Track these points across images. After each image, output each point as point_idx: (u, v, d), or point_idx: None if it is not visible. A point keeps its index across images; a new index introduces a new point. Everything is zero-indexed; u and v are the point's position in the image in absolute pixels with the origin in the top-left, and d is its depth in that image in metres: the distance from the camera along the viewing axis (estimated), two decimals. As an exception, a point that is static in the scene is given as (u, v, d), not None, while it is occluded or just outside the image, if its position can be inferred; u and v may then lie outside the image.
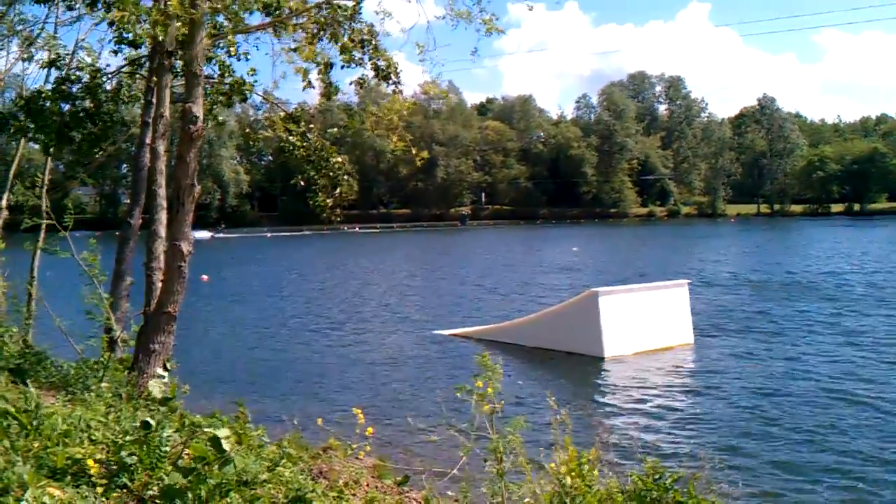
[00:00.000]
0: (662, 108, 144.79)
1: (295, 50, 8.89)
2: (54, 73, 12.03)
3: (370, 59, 9.65)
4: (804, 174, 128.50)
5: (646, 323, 16.81)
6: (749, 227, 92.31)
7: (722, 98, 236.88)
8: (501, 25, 9.04)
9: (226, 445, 4.36)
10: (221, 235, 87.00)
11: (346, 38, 9.31)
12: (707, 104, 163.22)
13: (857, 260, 40.06)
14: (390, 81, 9.81)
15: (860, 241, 56.67)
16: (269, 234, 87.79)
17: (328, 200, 11.18)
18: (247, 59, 10.76)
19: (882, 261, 39.02)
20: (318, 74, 9.93)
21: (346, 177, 11.36)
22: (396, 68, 9.70)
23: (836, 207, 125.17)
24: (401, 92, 9.90)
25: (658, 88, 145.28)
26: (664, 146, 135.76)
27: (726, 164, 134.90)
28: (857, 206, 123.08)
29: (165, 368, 7.85)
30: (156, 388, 6.16)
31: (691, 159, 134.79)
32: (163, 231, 9.18)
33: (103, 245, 9.43)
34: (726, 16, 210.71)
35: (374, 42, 9.58)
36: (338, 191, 11.23)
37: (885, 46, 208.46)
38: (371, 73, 9.82)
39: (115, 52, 11.73)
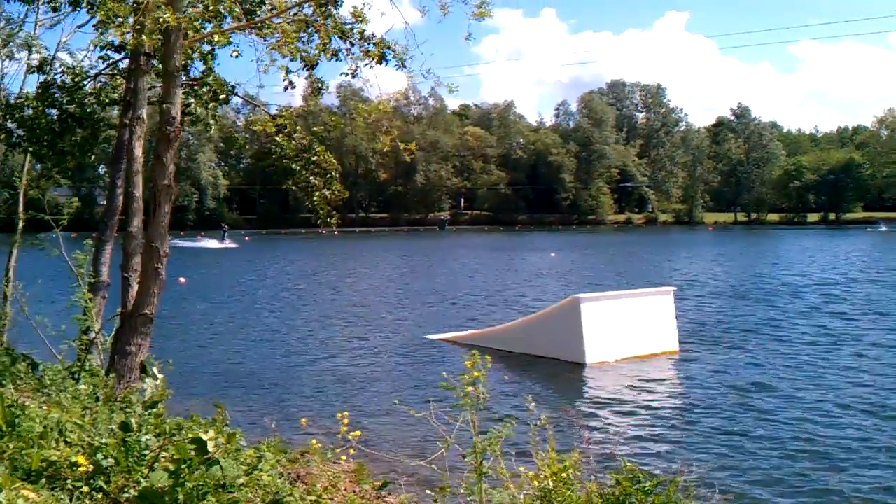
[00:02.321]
0: (641, 117, 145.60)
1: (279, 44, 8.82)
2: (35, 75, 11.94)
3: (360, 46, 9.54)
4: (781, 183, 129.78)
5: (629, 330, 16.77)
6: (726, 236, 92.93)
7: (700, 107, 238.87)
8: (484, 23, 9.00)
9: (210, 447, 4.32)
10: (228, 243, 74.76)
11: (329, 27, 9.23)
12: (686, 114, 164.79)
13: (837, 269, 40.45)
14: (387, 62, 9.66)
15: (838, 251, 57.22)
16: (246, 238, 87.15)
17: (326, 198, 11.11)
18: (236, 54, 10.67)
19: (861, 270, 39.46)
20: (305, 71, 9.88)
21: (335, 175, 11.30)
22: (390, 45, 9.57)
23: (813, 217, 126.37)
24: (404, 67, 9.73)
25: (637, 97, 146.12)
26: (642, 154, 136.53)
27: (704, 172, 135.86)
28: (832, 216, 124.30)
29: (143, 371, 7.78)
30: (149, 389, 6.11)
31: (669, 167, 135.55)
32: (139, 233, 9.11)
33: (79, 246, 9.36)
34: (703, 25, 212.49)
35: (361, 28, 9.49)
36: (331, 189, 11.16)
37: (860, 57, 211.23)
38: (364, 61, 9.68)
39: (102, 59, 11.67)
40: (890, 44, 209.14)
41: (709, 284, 33.33)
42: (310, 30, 9.31)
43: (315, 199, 11.14)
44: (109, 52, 11.54)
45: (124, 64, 11.77)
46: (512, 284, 34.81)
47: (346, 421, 5.80)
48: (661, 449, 10.43)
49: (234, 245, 72.26)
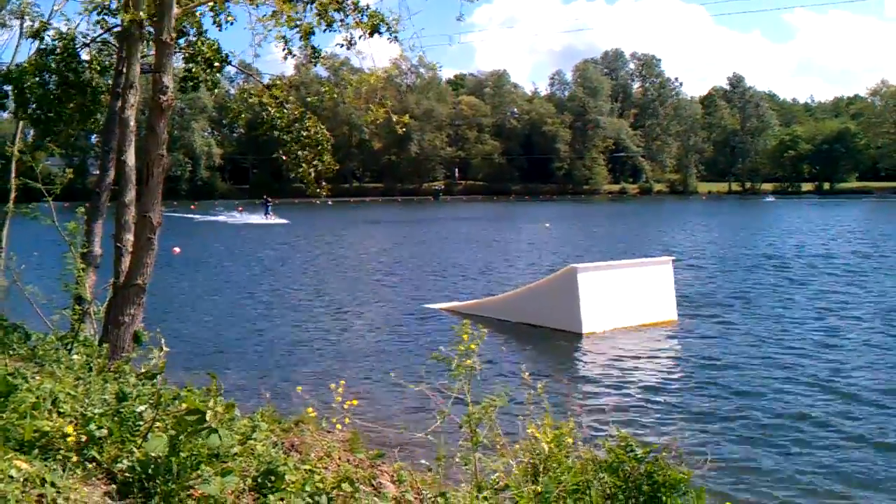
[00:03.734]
0: (636, 86, 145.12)
1: (273, 15, 8.73)
2: (28, 43, 11.79)
3: (354, 19, 9.46)
4: (776, 153, 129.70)
5: (627, 299, 16.77)
6: (719, 205, 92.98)
7: (694, 77, 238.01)
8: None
9: (209, 416, 4.32)
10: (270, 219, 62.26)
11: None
12: (681, 83, 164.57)
13: (836, 237, 40.59)
14: (381, 34, 9.58)
15: (833, 220, 57.34)
16: (240, 207, 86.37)
17: (311, 172, 11.03)
18: (230, 24, 10.56)
19: (856, 239, 39.59)
20: (301, 40, 9.78)
21: (327, 146, 11.20)
22: (384, 18, 9.47)
23: (807, 186, 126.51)
24: (397, 40, 9.66)
25: (631, 66, 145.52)
26: (637, 124, 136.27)
27: (698, 142, 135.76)
28: (826, 186, 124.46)
29: (137, 341, 7.78)
30: (154, 359, 6.09)
31: (663, 137, 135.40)
32: (132, 202, 9.04)
33: (71, 216, 9.30)
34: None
35: (352, 1, 9.40)
36: (322, 161, 11.07)
37: (853, 27, 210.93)
38: (357, 32, 9.60)
39: (102, 26, 11.50)
40: (883, 13, 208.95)
41: (704, 253, 33.37)
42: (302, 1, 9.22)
43: (301, 170, 11.06)
44: (105, 17, 11.39)
45: (118, 31, 11.62)
46: (509, 254, 34.83)
47: (340, 390, 5.80)
48: (655, 417, 10.47)
49: (280, 220, 61.19)
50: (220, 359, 14.00)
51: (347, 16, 9.43)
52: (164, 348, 6.22)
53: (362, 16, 9.43)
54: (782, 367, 13.10)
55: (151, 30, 9.25)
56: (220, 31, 10.85)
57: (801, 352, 14.29)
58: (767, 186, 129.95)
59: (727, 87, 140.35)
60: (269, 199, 67.05)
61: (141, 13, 8.29)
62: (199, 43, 11.15)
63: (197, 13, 10.59)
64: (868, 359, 13.67)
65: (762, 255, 32.34)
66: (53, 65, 11.35)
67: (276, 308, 20.25)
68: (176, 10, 8.38)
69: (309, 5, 9.25)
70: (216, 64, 11.30)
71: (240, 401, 6.86)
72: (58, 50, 11.38)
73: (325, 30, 9.50)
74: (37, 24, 11.59)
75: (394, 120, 10.15)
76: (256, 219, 62.69)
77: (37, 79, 11.25)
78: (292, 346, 15.44)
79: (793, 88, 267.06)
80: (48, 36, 11.55)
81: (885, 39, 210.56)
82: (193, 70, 11.33)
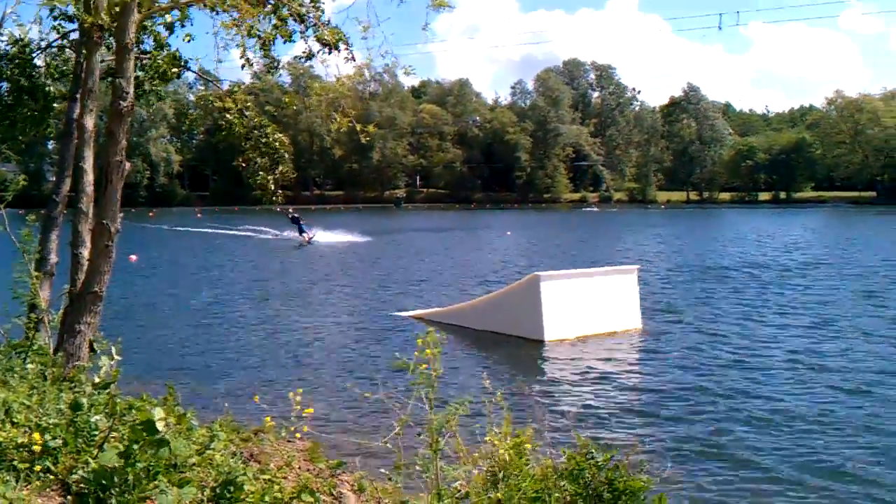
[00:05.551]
0: (595, 96, 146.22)
1: (235, 22, 8.65)
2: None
3: (313, 33, 9.41)
4: (733, 163, 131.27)
5: (590, 308, 16.83)
6: (676, 214, 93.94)
7: (654, 87, 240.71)
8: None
9: (160, 427, 4.26)
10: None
11: (285, 11, 9.10)
12: (640, 92, 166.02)
13: (790, 245, 41.14)
14: (339, 51, 9.53)
15: (789, 228, 58.14)
16: (199, 214, 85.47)
17: (270, 180, 10.94)
18: (188, 38, 10.45)
19: (811, 246, 40.18)
20: (259, 49, 9.70)
21: (285, 155, 11.12)
22: (343, 37, 9.42)
23: (764, 196, 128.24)
24: (353, 59, 9.63)
25: (591, 76, 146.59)
26: (597, 133, 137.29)
27: (657, 151, 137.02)
28: (783, 195, 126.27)
29: (92, 350, 7.66)
30: (105, 367, 5.99)
31: (623, 146, 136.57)
32: (90, 209, 8.91)
33: (26, 223, 9.16)
34: (655, 5, 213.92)
35: (316, 14, 9.35)
36: (279, 169, 10.98)
37: (808, 38, 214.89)
38: (316, 47, 9.54)
39: (56, 30, 11.30)
40: (838, 25, 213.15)
41: (668, 262, 33.66)
42: (266, 8, 9.16)
43: (258, 178, 10.96)
44: (62, 23, 11.22)
45: (74, 36, 11.45)
46: (471, 262, 34.86)
47: (298, 399, 5.75)
48: (617, 425, 10.52)
49: (355, 237, 50.33)
50: (179, 369, 13.83)
51: (308, 28, 9.37)
52: (116, 357, 6.12)
53: (323, 30, 9.37)
54: (746, 374, 13.23)
55: (108, 35, 9.15)
56: (171, 34, 10.72)
57: (765, 358, 14.46)
58: (725, 196, 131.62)
59: (683, 97, 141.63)
60: (298, 214, 49.73)
61: (102, 16, 8.17)
62: (156, 52, 11.03)
63: (153, 23, 10.47)
64: (829, 362, 13.90)
65: (725, 264, 32.73)
66: (7, 70, 11.16)
67: (240, 317, 20.05)
68: (137, 15, 8.29)
69: (270, 15, 9.18)
70: (173, 70, 11.18)
71: (198, 410, 6.78)
72: (12, 55, 11.19)
73: (284, 42, 9.44)
74: None
75: (358, 129, 10.06)
76: (288, 234, 51.07)
77: None
78: (254, 355, 15.28)
79: (750, 99, 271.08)
80: (2, 40, 11.36)
81: (839, 51, 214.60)
82: (140, 77, 11.18)
